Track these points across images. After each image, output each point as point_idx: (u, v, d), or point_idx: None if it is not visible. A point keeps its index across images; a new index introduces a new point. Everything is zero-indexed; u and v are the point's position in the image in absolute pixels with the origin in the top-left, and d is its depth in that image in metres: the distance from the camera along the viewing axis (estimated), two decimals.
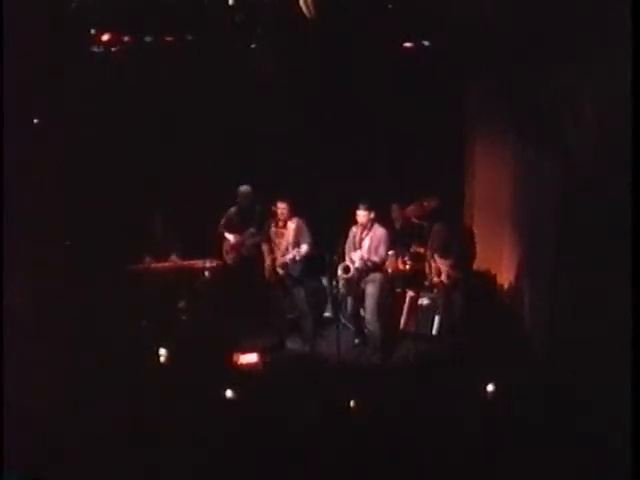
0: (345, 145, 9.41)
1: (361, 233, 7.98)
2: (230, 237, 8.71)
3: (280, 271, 8.08)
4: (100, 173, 8.59)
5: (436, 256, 8.11)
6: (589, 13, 6.01)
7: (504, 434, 5.84)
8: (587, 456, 5.41)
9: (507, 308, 8.60)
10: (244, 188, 8.62)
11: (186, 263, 8.56)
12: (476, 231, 8.44)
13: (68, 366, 6.82)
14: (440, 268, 8.09)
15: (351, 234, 8.06)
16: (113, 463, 5.67)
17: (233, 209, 8.69)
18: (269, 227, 8.12)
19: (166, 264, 8.53)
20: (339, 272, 7.99)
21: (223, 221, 8.72)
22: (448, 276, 8.01)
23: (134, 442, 5.89)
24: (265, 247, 8.19)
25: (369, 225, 7.92)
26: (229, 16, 7.82)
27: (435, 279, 8.21)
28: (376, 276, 7.98)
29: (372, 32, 7.97)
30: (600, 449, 5.40)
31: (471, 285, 8.11)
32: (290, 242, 8.04)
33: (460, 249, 7.95)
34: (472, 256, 8.06)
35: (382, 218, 8.24)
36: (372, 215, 7.89)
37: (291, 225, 8.05)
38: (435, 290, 8.72)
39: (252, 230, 8.58)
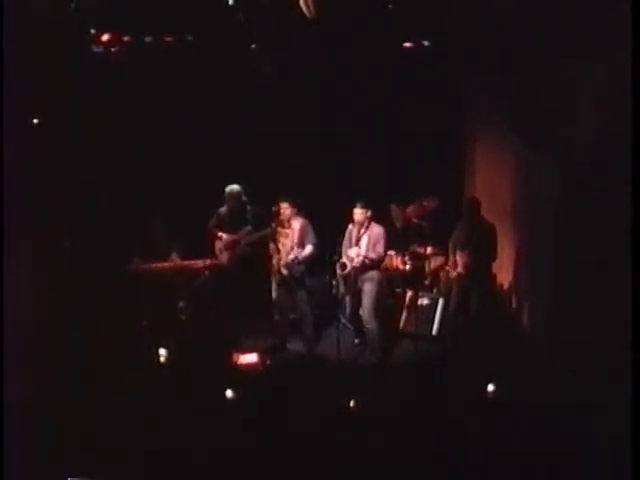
0: (345, 145, 9.42)
1: (358, 231, 8.00)
2: (224, 236, 8.65)
3: (284, 271, 8.07)
4: (100, 173, 8.59)
5: (457, 251, 8.15)
6: (589, 13, 6.01)
7: (504, 434, 5.84)
8: (587, 456, 5.41)
9: (507, 308, 8.60)
10: (233, 187, 8.55)
11: (186, 263, 8.54)
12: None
13: (68, 366, 6.82)
14: (458, 261, 8.12)
15: (348, 232, 8.08)
16: (113, 463, 5.67)
17: (223, 209, 8.63)
18: (275, 227, 8.10)
19: (166, 264, 8.51)
20: (337, 270, 8.01)
21: (213, 220, 8.66)
22: (465, 266, 8.03)
23: (134, 442, 5.89)
24: (272, 246, 8.18)
25: (366, 223, 7.94)
26: (229, 16, 7.83)
27: (453, 272, 8.24)
28: (373, 274, 8.00)
29: (372, 32, 7.98)
30: (600, 449, 5.40)
31: (486, 281, 8.14)
32: (295, 242, 8.03)
33: (478, 243, 7.97)
34: (493, 251, 8.08)
35: (381, 217, 8.25)
36: (369, 213, 7.91)
37: (295, 225, 8.04)
38: (435, 290, 8.74)
39: (248, 228, 8.54)
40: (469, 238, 8.06)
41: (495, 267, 8.64)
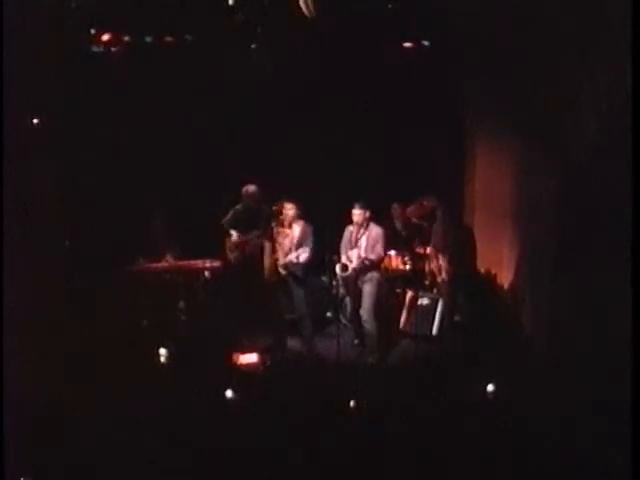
0: (345, 144, 9.42)
1: (357, 232, 8.02)
2: (235, 235, 8.67)
3: (282, 271, 8.07)
4: (100, 173, 8.59)
5: (439, 254, 8.14)
6: (589, 13, 6.01)
7: (504, 434, 5.84)
8: (587, 456, 5.41)
9: (507, 308, 8.61)
10: (251, 188, 8.59)
11: (186, 263, 8.55)
12: (476, 231, 8.47)
13: (68, 366, 6.82)
14: (441, 265, 8.12)
15: (347, 233, 8.10)
16: (113, 463, 5.67)
17: (239, 207, 8.65)
18: (273, 226, 8.09)
19: (166, 264, 8.53)
20: (337, 270, 8.03)
21: (229, 217, 8.68)
22: (447, 272, 8.04)
23: (134, 442, 5.89)
24: (267, 246, 8.17)
25: (365, 224, 7.95)
26: (229, 16, 7.83)
27: (438, 277, 8.23)
28: (373, 275, 8.02)
29: (372, 32, 7.98)
30: (600, 449, 5.39)
31: (472, 282, 8.13)
32: (294, 243, 8.03)
33: (459, 246, 7.97)
34: (472, 253, 8.07)
35: (381, 217, 8.25)
36: (367, 214, 7.92)
37: (296, 227, 8.04)
38: (435, 290, 8.74)
39: (257, 232, 8.56)
40: (446, 240, 8.05)
41: (495, 267, 8.66)
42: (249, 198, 8.56)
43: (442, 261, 8.10)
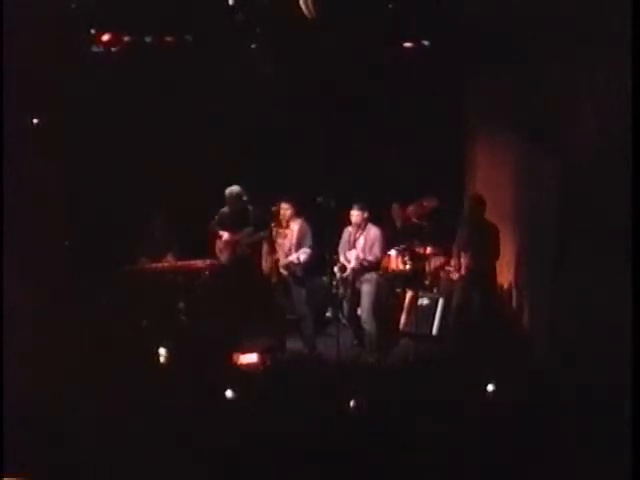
0: (345, 145, 9.42)
1: (355, 233, 8.04)
2: (225, 235, 8.65)
3: (283, 272, 8.07)
4: (100, 173, 8.59)
5: (462, 253, 8.16)
6: (589, 13, 6.01)
7: (504, 434, 5.83)
8: (587, 456, 5.41)
9: (507, 308, 8.60)
10: (234, 189, 8.55)
11: (186, 263, 8.55)
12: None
13: (68, 366, 6.82)
14: (462, 263, 8.13)
15: (345, 234, 8.12)
16: (112, 463, 5.66)
17: (226, 209, 8.64)
18: (272, 227, 8.09)
19: (166, 264, 8.52)
20: (335, 271, 8.04)
21: (215, 220, 8.67)
22: (467, 268, 8.04)
23: (133, 442, 5.89)
24: (266, 247, 8.17)
25: (363, 225, 7.97)
26: (229, 16, 7.83)
27: (455, 274, 8.24)
28: (372, 276, 8.04)
29: (372, 32, 7.99)
30: (600, 449, 5.39)
31: (488, 281, 8.15)
32: (293, 243, 8.03)
33: (479, 243, 7.97)
34: (495, 252, 8.08)
35: (380, 218, 8.26)
36: (366, 215, 7.94)
37: (294, 226, 8.04)
38: (435, 290, 8.75)
39: (249, 229, 8.54)
40: (470, 239, 8.07)
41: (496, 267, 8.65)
42: (234, 198, 8.53)
43: (463, 258, 8.10)
